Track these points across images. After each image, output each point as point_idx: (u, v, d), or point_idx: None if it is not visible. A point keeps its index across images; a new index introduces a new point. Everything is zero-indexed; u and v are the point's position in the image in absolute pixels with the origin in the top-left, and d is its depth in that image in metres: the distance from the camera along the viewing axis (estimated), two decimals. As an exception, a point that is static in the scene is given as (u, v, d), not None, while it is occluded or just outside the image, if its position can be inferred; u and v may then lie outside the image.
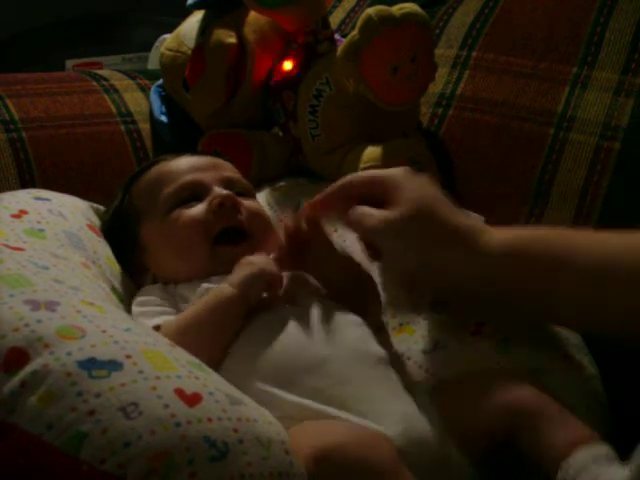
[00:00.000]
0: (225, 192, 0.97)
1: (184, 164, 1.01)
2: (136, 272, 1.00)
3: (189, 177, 0.99)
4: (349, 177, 0.90)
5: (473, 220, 0.89)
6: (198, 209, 0.96)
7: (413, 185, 0.87)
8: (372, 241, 0.89)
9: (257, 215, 0.99)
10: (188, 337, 0.84)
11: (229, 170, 1.03)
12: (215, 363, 0.83)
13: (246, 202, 0.99)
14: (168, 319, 0.89)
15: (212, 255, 0.95)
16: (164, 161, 1.03)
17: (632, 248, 0.78)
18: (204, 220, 0.95)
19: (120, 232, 1.01)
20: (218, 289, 0.88)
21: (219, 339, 0.86)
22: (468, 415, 0.81)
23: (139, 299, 0.94)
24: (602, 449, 0.75)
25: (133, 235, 1.00)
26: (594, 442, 0.76)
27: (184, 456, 0.66)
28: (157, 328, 0.87)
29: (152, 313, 0.91)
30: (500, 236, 0.85)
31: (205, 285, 0.92)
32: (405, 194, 0.86)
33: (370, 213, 0.86)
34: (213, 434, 0.68)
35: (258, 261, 0.89)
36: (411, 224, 0.84)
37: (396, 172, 0.89)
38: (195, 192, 0.98)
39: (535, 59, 1.17)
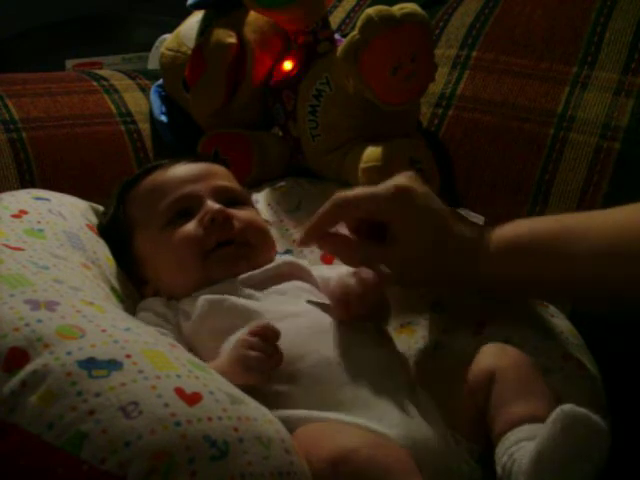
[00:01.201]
0: (216, 207, 0.96)
1: (177, 175, 1.00)
2: (136, 282, 1.00)
3: (182, 191, 0.98)
4: (340, 199, 0.92)
5: (471, 225, 0.92)
6: (190, 227, 0.95)
7: (412, 211, 0.90)
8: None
9: (251, 225, 0.98)
10: None
11: (223, 178, 1.02)
12: None
13: (240, 213, 0.98)
14: None
15: (205, 266, 0.94)
16: (159, 169, 1.02)
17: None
18: (196, 238, 0.95)
19: (116, 240, 1.01)
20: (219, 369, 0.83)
21: None
22: (454, 386, 0.83)
23: (138, 314, 0.93)
24: (529, 429, 0.76)
25: (128, 246, 1.00)
26: (530, 422, 0.77)
27: (184, 455, 0.66)
28: None
29: None
30: (499, 235, 0.89)
31: (202, 297, 0.91)
32: (411, 218, 0.89)
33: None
34: (213, 433, 0.68)
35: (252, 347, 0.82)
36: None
37: (388, 194, 0.90)
38: (188, 206, 0.97)
39: (535, 59, 1.17)
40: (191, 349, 0.88)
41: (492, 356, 0.83)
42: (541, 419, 0.76)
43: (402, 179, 0.91)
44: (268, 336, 0.82)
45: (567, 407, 0.71)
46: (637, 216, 0.83)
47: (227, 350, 0.84)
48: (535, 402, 0.78)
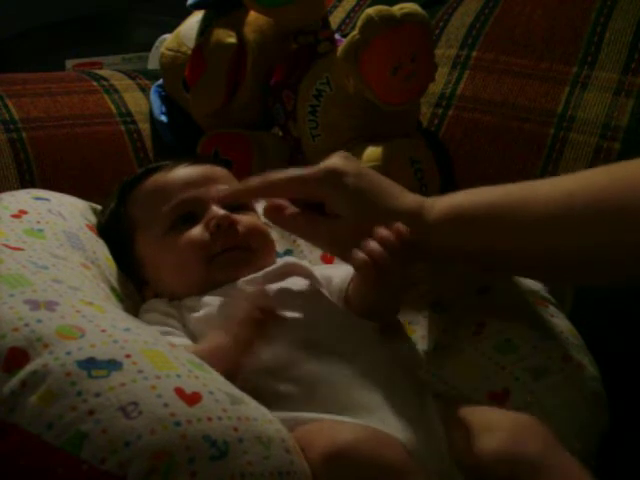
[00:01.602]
0: (221, 212, 0.96)
1: (180, 178, 1.00)
2: (136, 283, 1.00)
3: (186, 194, 0.98)
4: (269, 181, 0.92)
5: (411, 199, 0.90)
6: (195, 232, 0.95)
7: (342, 191, 0.89)
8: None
9: (254, 230, 0.98)
10: None
11: (226, 181, 1.02)
12: None
13: (243, 218, 0.98)
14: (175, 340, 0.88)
15: (208, 270, 0.94)
16: (161, 171, 1.02)
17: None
18: (202, 242, 0.95)
19: (115, 240, 1.01)
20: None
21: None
22: (470, 451, 0.79)
23: (142, 317, 0.93)
24: None
25: (129, 246, 0.99)
26: None
27: (184, 455, 0.66)
28: None
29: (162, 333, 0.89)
30: (440, 205, 0.87)
31: (208, 297, 0.92)
32: (342, 198, 0.89)
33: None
34: (213, 433, 0.68)
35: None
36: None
37: (318, 176, 0.90)
38: (192, 211, 0.97)
39: (535, 59, 1.17)
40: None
41: (511, 436, 0.78)
42: None
43: (333, 159, 0.91)
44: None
45: None
46: (586, 182, 0.82)
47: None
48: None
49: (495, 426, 0.79)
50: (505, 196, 0.85)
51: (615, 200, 0.78)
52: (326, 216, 0.90)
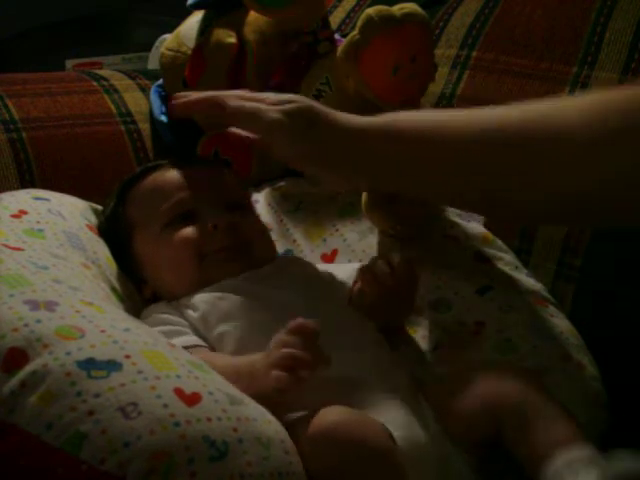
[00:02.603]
0: (219, 214, 0.96)
1: (179, 178, 1.00)
2: (135, 282, 1.00)
3: (184, 194, 0.98)
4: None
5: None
6: (192, 231, 0.96)
7: None
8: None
9: (252, 230, 0.98)
10: None
11: (225, 181, 1.02)
12: None
13: (241, 218, 0.98)
14: (185, 340, 0.88)
15: (203, 268, 0.95)
16: (160, 170, 1.02)
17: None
18: (195, 240, 0.95)
19: (115, 239, 1.01)
20: (250, 367, 0.80)
21: None
22: (456, 412, 0.82)
23: (144, 322, 0.93)
24: (580, 453, 0.74)
25: (127, 245, 1.00)
26: (574, 445, 0.75)
27: (184, 456, 0.66)
28: None
29: (168, 333, 0.89)
30: (374, 121, 0.87)
31: (205, 294, 0.92)
32: None
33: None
34: (212, 434, 0.68)
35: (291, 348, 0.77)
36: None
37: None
38: (191, 210, 0.97)
39: (535, 59, 1.17)
40: (203, 338, 0.89)
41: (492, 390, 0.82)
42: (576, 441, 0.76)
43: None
44: (306, 334, 0.77)
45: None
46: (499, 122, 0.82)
47: (258, 356, 0.80)
48: (561, 426, 0.78)
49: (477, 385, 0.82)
50: (436, 116, 0.87)
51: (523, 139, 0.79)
52: None
